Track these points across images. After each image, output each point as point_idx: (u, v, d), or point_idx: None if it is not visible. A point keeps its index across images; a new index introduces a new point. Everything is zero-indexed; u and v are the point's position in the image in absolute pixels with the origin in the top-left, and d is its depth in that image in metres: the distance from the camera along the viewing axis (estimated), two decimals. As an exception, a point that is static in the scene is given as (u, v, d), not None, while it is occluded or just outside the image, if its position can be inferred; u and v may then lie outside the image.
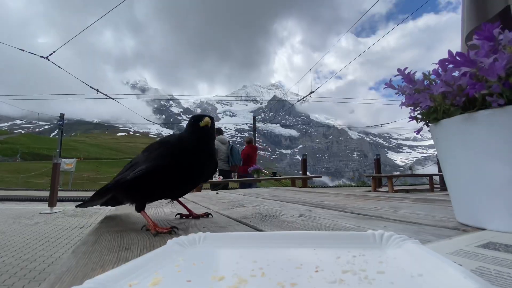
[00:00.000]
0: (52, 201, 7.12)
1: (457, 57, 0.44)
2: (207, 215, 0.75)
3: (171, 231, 0.55)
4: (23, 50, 8.75)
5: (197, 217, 0.72)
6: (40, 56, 8.55)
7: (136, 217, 0.80)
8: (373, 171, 9.92)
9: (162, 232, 0.55)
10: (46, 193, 8.65)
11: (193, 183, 0.70)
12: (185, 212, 0.74)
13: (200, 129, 0.65)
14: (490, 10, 1.30)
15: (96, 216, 6.23)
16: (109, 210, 0.93)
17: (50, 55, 8.34)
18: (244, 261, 0.33)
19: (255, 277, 0.28)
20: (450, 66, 0.46)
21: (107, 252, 0.45)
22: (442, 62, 0.46)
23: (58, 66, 9.04)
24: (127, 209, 0.99)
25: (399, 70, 0.54)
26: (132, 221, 0.74)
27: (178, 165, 0.63)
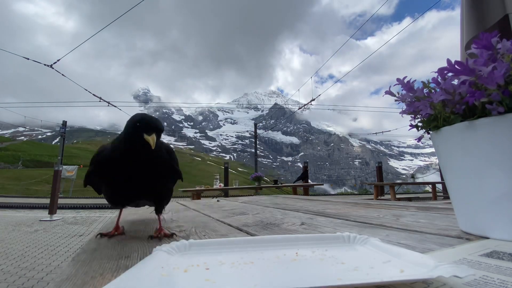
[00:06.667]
0: (52, 208, 7.10)
1: (456, 66, 0.44)
2: (172, 235, 0.62)
3: (122, 233, 0.60)
4: (28, 59, 8.86)
5: (167, 235, 0.62)
6: (45, 65, 8.65)
7: (137, 225, 0.80)
8: (375, 179, 9.87)
9: (113, 234, 0.61)
10: (47, 201, 8.63)
11: (133, 192, 0.62)
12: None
13: (140, 140, 0.55)
14: (489, 19, 1.31)
15: (96, 224, 6.19)
16: (109, 218, 0.93)
17: (54, 63, 8.43)
18: (234, 257, 0.39)
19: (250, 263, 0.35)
20: (449, 74, 0.46)
21: (107, 260, 0.45)
22: (441, 71, 0.47)
23: (62, 74, 9.14)
24: (127, 216, 0.98)
25: (398, 79, 0.54)
26: (132, 229, 0.74)
27: (103, 174, 0.60)
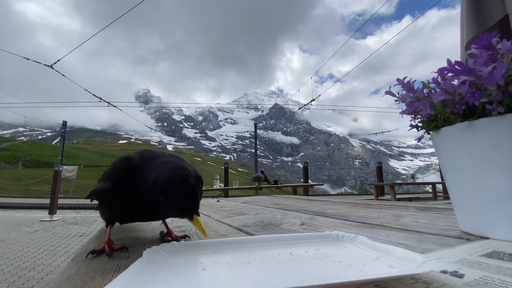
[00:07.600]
0: (52, 208, 7.10)
1: (456, 66, 0.44)
2: (184, 237, 0.57)
3: (122, 248, 0.49)
4: (28, 59, 8.86)
5: (175, 238, 0.58)
6: (44, 65, 8.64)
7: (137, 225, 0.80)
8: (375, 179, 9.89)
9: (114, 249, 0.49)
10: (47, 201, 8.64)
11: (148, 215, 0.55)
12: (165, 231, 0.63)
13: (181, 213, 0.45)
14: (489, 19, 1.31)
15: (96, 224, 6.19)
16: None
17: (54, 63, 8.43)
18: (229, 258, 0.38)
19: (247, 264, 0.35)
20: (449, 74, 0.46)
21: (107, 260, 0.45)
22: (441, 71, 0.47)
23: (62, 75, 9.14)
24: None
25: (398, 79, 0.54)
26: (132, 229, 0.74)
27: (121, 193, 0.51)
